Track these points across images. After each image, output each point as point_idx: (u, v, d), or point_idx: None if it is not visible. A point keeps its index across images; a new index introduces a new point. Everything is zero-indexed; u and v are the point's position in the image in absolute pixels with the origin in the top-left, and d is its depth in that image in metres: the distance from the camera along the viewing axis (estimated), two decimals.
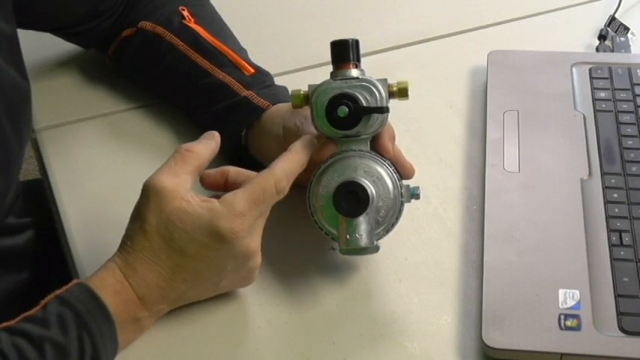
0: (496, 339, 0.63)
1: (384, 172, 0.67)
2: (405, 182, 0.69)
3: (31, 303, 0.62)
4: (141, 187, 0.64)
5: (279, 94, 0.79)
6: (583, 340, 0.63)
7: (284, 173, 0.65)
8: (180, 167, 0.64)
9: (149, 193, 0.63)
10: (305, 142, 0.68)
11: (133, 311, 0.63)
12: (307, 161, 0.68)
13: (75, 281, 0.62)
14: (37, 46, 0.91)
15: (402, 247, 0.73)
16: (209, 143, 0.67)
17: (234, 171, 0.69)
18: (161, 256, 0.63)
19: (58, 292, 0.61)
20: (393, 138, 0.70)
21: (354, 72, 0.68)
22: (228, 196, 0.64)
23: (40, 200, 0.84)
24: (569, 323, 0.64)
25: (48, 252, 0.84)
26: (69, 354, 0.59)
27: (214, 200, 0.64)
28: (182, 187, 0.63)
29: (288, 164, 0.66)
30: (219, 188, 0.69)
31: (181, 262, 0.63)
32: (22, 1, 0.74)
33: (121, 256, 0.64)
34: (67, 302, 0.60)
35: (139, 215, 0.64)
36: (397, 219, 0.68)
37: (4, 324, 0.60)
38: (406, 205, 0.68)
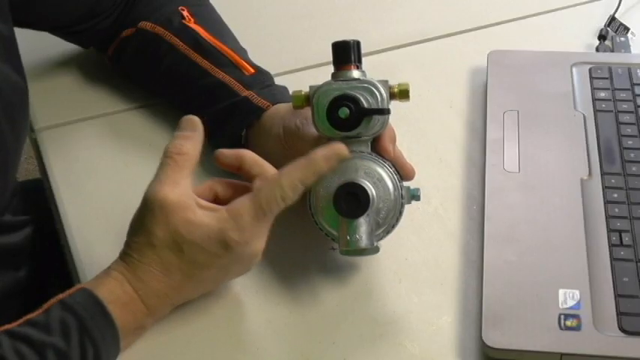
0: (496, 339, 0.63)
1: (385, 174, 0.67)
2: (405, 184, 0.69)
3: (29, 301, 0.62)
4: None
5: (279, 95, 0.79)
6: (583, 340, 0.63)
7: (291, 183, 0.64)
8: (178, 174, 0.63)
9: (154, 207, 0.62)
10: (328, 153, 0.65)
11: (140, 320, 0.64)
12: (326, 172, 0.65)
13: (78, 286, 0.62)
14: (37, 45, 0.91)
15: (402, 247, 0.73)
16: (195, 137, 0.65)
17: (250, 158, 0.67)
18: (171, 268, 0.63)
19: (61, 296, 0.61)
20: (393, 139, 0.70)
21: (355, 73, 0.68)
22: (236, 207, 0.63)
23: (39, 200, 0.84)
24: (569, 323, 0.64)
25: (46, 250, 0.84)
26: None
27: (221, 209, 0.63)
28: (185, 195, 0.63)
29: (299, 172, 0.64)
30: (232, 170, 0.68)
31: (190, 271, 0.63)
32: (21, 0, 0.74)
33: (128, 268, 0.63)
34: (70, 308, 0.60)
35: (144, 229, 0.63)
36: (397, 220, 0.68)
37: (6, 326, 0.59)
38: (406, 205, 0.68)
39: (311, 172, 0.65)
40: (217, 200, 0.68)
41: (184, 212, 0.62)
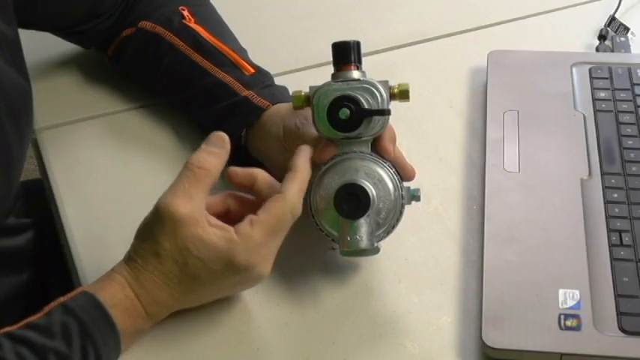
0: (496, 339, 0.63)
1: (385, 174, 0.67)
2: (405, 184, 0.69)
3: (31, 304, 0.62)
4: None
5: (279, 94, 0.79)
6: (583, 340, 0.63)
7: (297, 197, 0.65)
8: (194, 188, 0.62)
9: (164, 218, 0.62)
10: (306, 156, 0.67)
11: (139, 325, 0.64)
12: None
13: (79, 289, 0.62)
14: (37, 46, 0.90)
15: (402, 247, 0.73)
16: (221, 154, 0.65)
17: (262, 179, 0.68)
18: (173, 279, 0.63)
19: (62, 299, 0.61)
20: (393, 140, 0.70)
21: (356, 74, 0.68)
22: (246, 228, 0.63)
23: (40, 200, 0.84)
24: (569, 323, 0.64)
25: (48, 253, 0.84)
26: None
27: (231, 229, 0.63)
28: (198, 211, 0.62)
29: (299, 184, 0.65)
30: (244, 189, 0.69)
31: (193, 285, 0.63)
32: (23, 1, 0.74)
33: (131, 273, 0.63)
34: (72, 312, 0.60)
35: (152, 237, 0.62)
36: (398, 221, 0.68)
37: (6, 329, 0.59)
38: (406, 205, 0.68)
39: (304, 181, 0.66)
40: (228, 214, 0.68)
41: (194, 227, 0.62)
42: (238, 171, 0.68)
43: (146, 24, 0.85)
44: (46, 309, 0.60)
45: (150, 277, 0.62)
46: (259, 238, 0.63)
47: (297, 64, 0.93)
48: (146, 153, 0.83)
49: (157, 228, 0.62)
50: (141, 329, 0.64)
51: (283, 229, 0.65)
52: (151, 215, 0.63)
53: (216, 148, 0.65)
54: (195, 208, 0.62)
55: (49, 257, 0.84)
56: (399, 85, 0.68)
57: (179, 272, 0.62)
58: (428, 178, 0.78)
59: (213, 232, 0.62)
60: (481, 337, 0.64)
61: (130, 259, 0.63)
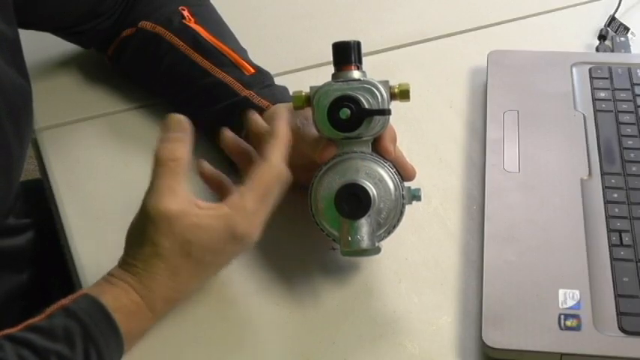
0: (496, 339, 0.64)
1: (386, 174, 0.67)
2: (406, 184, 0.69)
3: (31, 305, 0.62)
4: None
5: (279, 94, 0.79)
6: (583, 340, 0.63)
7: (281, 161, 0.66)
8: (175, 182, 0.63)
9: (155, 220, 0.62)
10: (285, 121, 0.69)
11: (145, 325, 0.64)
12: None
13: (81, 292, 0.62)
14: (37, 46, 0.90)
15: (402, 247, 0.73)
16: (185, 138, 0.65)
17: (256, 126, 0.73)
18: (178, 272, 0.63)
19: (63, 301, 0.61)
20: (394, 140, 0.70)
21: (356, 74, 0.68)
22: (237, 199, 0.64)
23: (40, 200, 0.84)
24: (569, 323, 0.64)
25: (48, 253, 0.84)
26: None
27: (223, 206, 0.63)
28: (186, 202, 0.63)
29: (280, 149, 0.66)
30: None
31: (197, 270, 0.64)
32: (23, 1, 0.74)
33: (134, 278, 0.62)
34: (74, 314, 0.60)
35: (147, 240, 0.62)
36: (398, 221, 0.68)
37: (7, 331, 0.59)
38: (407, 205, 0.68)
39: (286, 146, 0.67)
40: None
41: (189, 218, 0.62)
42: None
43: (146, 24, 0.85)
44: (48, 311, 0.60)
45: (154, 277, 0.62)
46: (251, 206, 0.64)
47: (297, 64, 0.93)
48: (146, 153, 0.82)
49: (150, 230, 0.62)
50: (146, 329, 0.65)
51: (271, 195, 0.65)
52: (139, 220, 0.63)
53: (180, 133, 0.65)
54: (182, 200, 0.63)
55: (49, 257, 0.84)
56: (400, 85, 0.68)
57: (184, 263, 0.63)
58: (428, 178, 0.78)
59: (207, 214, 0.63)
60: (481, 337, 0.64)
61: (128, 264, 0.63)
